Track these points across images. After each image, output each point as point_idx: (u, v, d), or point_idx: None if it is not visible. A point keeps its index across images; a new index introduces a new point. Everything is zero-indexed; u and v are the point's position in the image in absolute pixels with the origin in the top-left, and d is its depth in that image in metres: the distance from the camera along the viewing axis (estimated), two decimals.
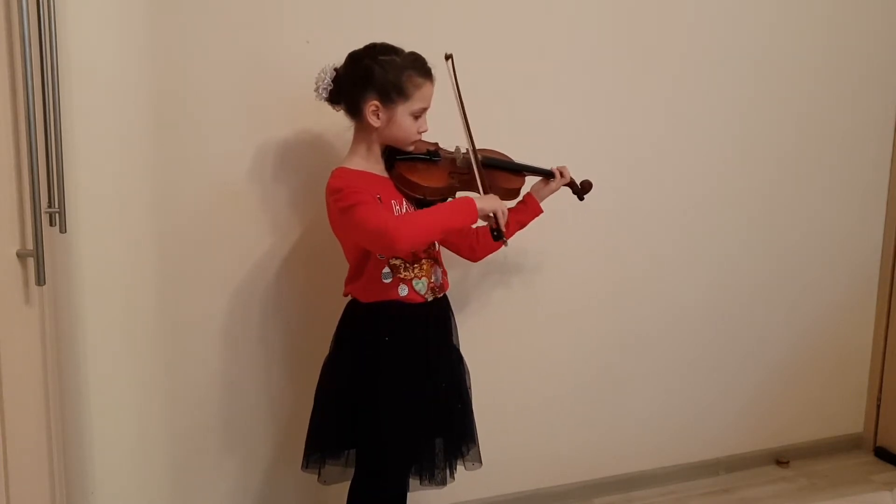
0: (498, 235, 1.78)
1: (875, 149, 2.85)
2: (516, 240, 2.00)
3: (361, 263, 1.78)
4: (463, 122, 1.81)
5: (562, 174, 2.01)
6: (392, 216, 1.70)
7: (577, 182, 2.05)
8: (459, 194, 1.89)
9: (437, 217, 1.73)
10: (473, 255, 2.03)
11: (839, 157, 2.79)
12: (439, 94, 1.78)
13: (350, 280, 1.84)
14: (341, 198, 1.69)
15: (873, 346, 2.98)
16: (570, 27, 2.33)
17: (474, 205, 1.73)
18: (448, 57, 1.78)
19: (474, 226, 1.87)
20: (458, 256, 2.05)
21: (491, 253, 2.04)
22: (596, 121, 2.41)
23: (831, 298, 2.88)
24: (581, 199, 2.07)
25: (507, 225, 1.84)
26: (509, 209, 1.97)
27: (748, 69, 2.58)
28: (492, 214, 1.76)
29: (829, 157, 2.77)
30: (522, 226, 2.00)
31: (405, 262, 1.78)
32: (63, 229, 1.59)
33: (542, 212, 2.01)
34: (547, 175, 2.01)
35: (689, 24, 2.48)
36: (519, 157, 1.99)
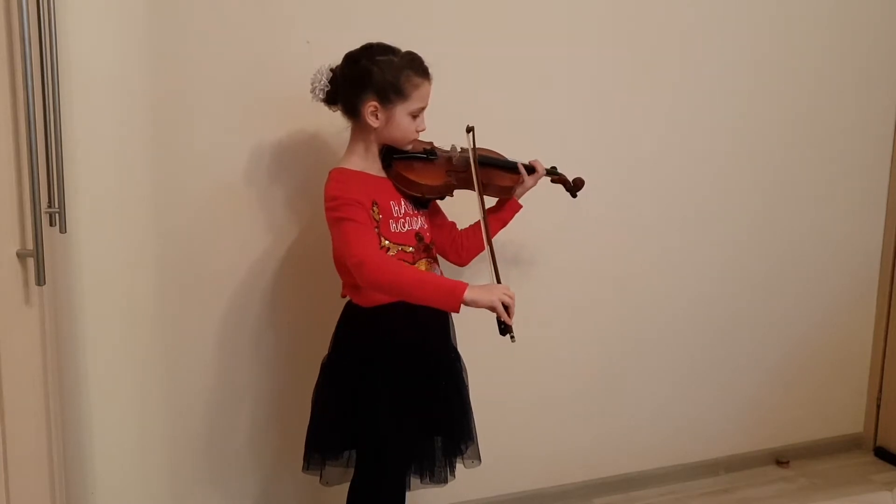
0: (503, 330, 1.62)
1: (875, 149, 2.85)
2: (515, 238, 2.00)
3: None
4: (478, 190, 1.79)
5: (528, 170, 1.96)
6: (374, 250, 1.66)
7: (570, 179, 2.05)
8: (458, 192, 1.89)
9: (418, 286, 1.65)
10: (459, 259, 2.01)
11: (839, 157, 2.78)
12: (436, 93, 1.78)
13: (348, 286, 1.84)
14: (335, 207, 1.69)
15: (873, 346, 2.98)
16: (570, 26, 2.33)
17: (460, 296, 1.59)
18: (469, 130, 1.78)
19: (481, 215, 1.84)
20: None
21: (477, 255, 2.02)
22: (596, 120, 2.41)
23: (831, 298, 2.88)
24: (574, 196, 2.07)
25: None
26: (490, 208, 1.94)
27: (749, 69, 2.58)
28: (491, 308, 1.62)
29: (829, 157, 2.77)
30: (505, 223, 1.98)
31: (405, 263, 1.78)
32: (63, 229, 1.60)
33: (521, 207, 1.99)
34: (512, 169, 1.96)
35: (689, 24, 2.47)
36: (515, 154, 1.98)
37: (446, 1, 2.17)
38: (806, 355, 2.87)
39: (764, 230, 2.72)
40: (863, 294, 2.94)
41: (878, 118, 2.83)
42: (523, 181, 1.96)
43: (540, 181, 2.00)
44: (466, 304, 1.61)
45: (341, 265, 1.80)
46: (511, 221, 1.99)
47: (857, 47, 2.73)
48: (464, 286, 1.61)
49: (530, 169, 1.97)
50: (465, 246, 1.98)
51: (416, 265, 1.80)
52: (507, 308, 1.62)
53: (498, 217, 1.97)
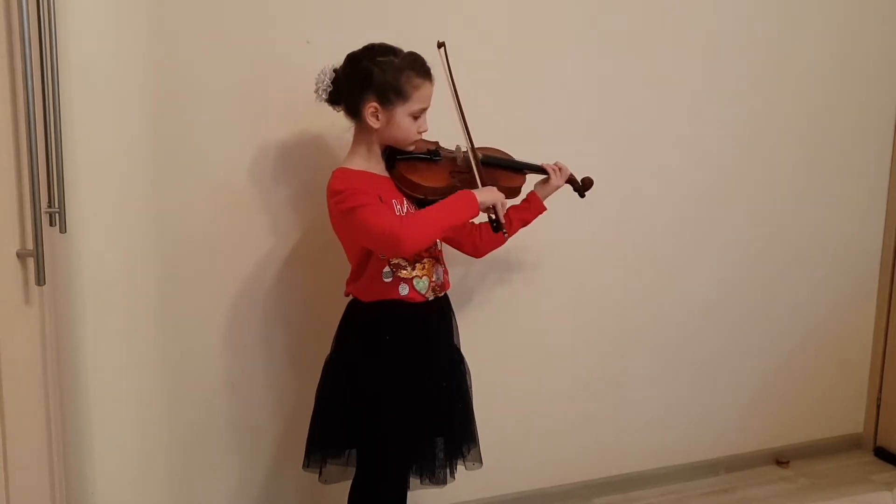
0: (497, 227, 1.79)
1: (875, 151, 2.85)
2: (518, 238, 2.00)
3: (362, 263, 1.79)
4: (458, 112, 1.80)
5: (560, 170, 2.00)
6: (395, 217, 1.70)
7: (579, 179, 2.05)
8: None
9: (439, 215, 1.72)
10: (476, 251, 2.03)
11: (839, 158, 2.79)
12: (439, 93, 1.78)
13: (351, 280, 1.84)
14: (343, 199, 1.68)
15: (873, 346, 2.98)
16: (576, 26, 2.33)
17: (475, 198, 1.73)
18: (440, 45, 1.77)
19: (476, 221, 1.87)
20: (460, 254, 2.05)
21: (494, 248, 2.03)
22: (601, 120, 2.41)
23: (831, 299, 2.88)
24: (582, 196, 2.06)
25: (508, 220, 1.85)
26: (513, 207, 1.98)
27: (751, 73, 2.58)
28: (491, 206, 1.77)
29: (830, 158, 2.77)
30: (526, 223, 1.99)
31: (406, 261, 1.78)
32: (63, 229, 1.60)
33: (545, 209, 2.01)
34: (540, 172, 2.00)
35: (695, 26, 2.48)
36: (521, 155, 1.99)
37: (449, 2, 2.17)
38: (806, 356, 2.87)
39: (764, 231, 2.72)
40: (863, 294, 2.94)
41: (879, 119, 2.83)
42: (550, 181, 1.99)
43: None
44: (478, 204, 1.75)
45: (358, 256, 1.79)
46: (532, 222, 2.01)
47: (857, 49, 2.73)
48: (472, 193, 1.75)
49: (543, 170, 1.99)
50: (483, 239, 1.99)
51: (419, 264, 1.80)
52: (502, 205, 1.79)
53: (520, 218, 1.97)
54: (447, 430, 1.88)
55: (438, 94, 1.78)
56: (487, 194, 1.77)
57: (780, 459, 2.87)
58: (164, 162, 1.98)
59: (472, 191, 1.76)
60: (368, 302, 1.80)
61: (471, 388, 1.95)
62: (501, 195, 1.79)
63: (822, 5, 2.64)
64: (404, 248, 1.66)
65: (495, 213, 1.77)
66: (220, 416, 2.14)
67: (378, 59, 1.70)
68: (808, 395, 2.90)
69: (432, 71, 1.74)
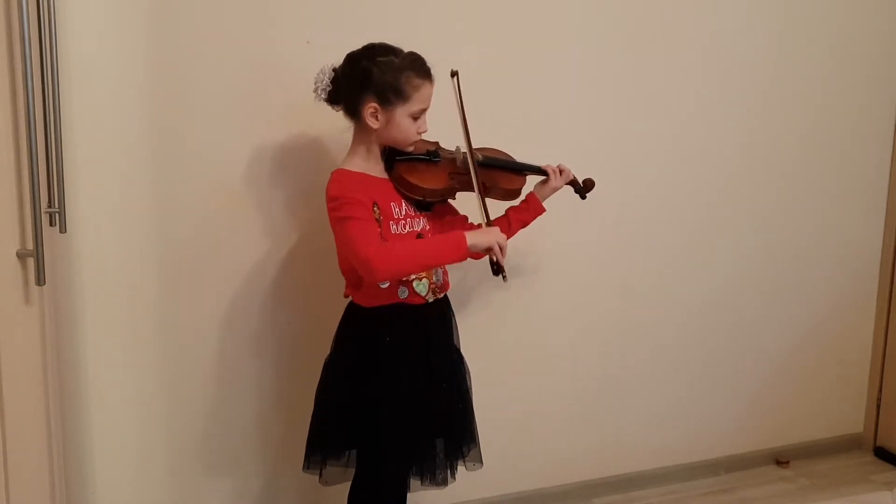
0: (496, 271, 1.75)
1: (875, 151, 2.85)
2: (518, 239, 2.00)
3: (354, 269, 1.78)
4: (465, 140, 1.80)
5: (562, 172, 2.00)
6: (376, 245, 1.65)
7: (580, 180, 2.05)
8: (459, 195, 1.89)
9: (421, 255, 1.72)
10: None
11: (840, 158, 2.79)
12: (440, 95, 1.78)
13: (350, 286, 1.84)
14: (336, 207, 1.69)
15: (873, 346, 2.98)
16: (577, 25, 2.33)
17: (464, 244, 1.70)
18: (454, 74, 1.78)
19: (475, 222, 1.86)
20: None
21: None
22: (601, 120, 2.41)
23: (831, 299, 2.88)
24: (583, 197, 2.06)
25: (507, 222, 1.84)
26: (512, 208, 1.97)
27: (751, 74, 2.58)
28: (487, 249, 1.74)
29: (830, 158, 2.77)
30: (525, 224, 1.99)
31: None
32: (63, 229, 1.60)
33: (544, 210, 2.01)
34: (540, 173, 2.00)
35: (695, 26, 2.48)
36: (521, 156, 1.99)
37: (450, 2, 2.17)
38: (806, 356, 2.87)
39: (765, 232, 2.72)
40: (863, 294, 2.93)
41: (879, 119, 2.83)
42: (549, 182, 1.98)
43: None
44: (469, 249, 1.70)
45: (346, 264, 1.80)
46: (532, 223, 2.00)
47: (857, 49, 2.73)
48: (463, 235, 1.71)
49: (543, 171, 1.98)
50: None
51: None
52: (500, 249, 1.73)
53: (519, 219, 1.97)
54: (447, 431, 1.88)
55: (439, 97, 1.78)
56: (483, 237, 1.73)
57: (780, 459, 2.87)
58: (163, 162, 1.98)
59: (468, 233, 1.73)
60: (369, 305, 1.80)
61: (471, 388, 1.95)
62: (501, 236, 1.74)
63: (822, 5, 2.64)
64: (374, 278, 1.68)
65: (494, 256, 1.74)
66: (219, 416, 2.14)
67: (378, 58, 1.70)
68: (808, 395, 2.90)
69: (433, 72, 1.74)
